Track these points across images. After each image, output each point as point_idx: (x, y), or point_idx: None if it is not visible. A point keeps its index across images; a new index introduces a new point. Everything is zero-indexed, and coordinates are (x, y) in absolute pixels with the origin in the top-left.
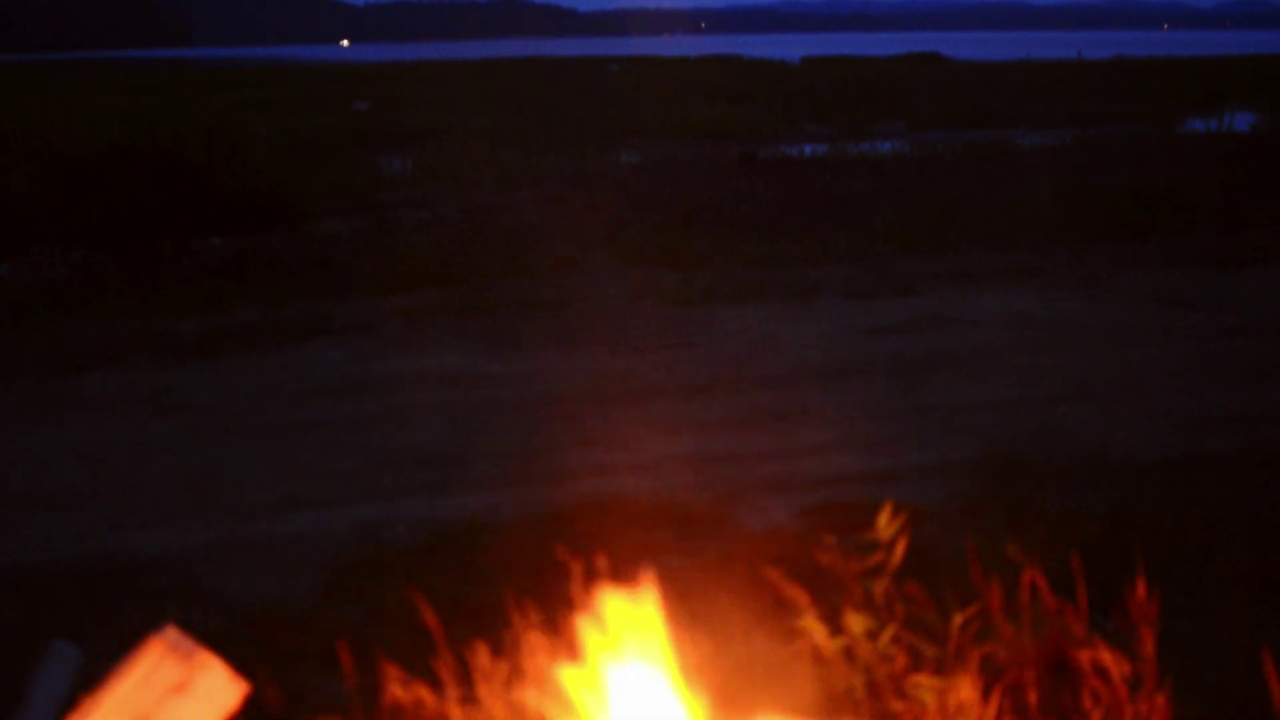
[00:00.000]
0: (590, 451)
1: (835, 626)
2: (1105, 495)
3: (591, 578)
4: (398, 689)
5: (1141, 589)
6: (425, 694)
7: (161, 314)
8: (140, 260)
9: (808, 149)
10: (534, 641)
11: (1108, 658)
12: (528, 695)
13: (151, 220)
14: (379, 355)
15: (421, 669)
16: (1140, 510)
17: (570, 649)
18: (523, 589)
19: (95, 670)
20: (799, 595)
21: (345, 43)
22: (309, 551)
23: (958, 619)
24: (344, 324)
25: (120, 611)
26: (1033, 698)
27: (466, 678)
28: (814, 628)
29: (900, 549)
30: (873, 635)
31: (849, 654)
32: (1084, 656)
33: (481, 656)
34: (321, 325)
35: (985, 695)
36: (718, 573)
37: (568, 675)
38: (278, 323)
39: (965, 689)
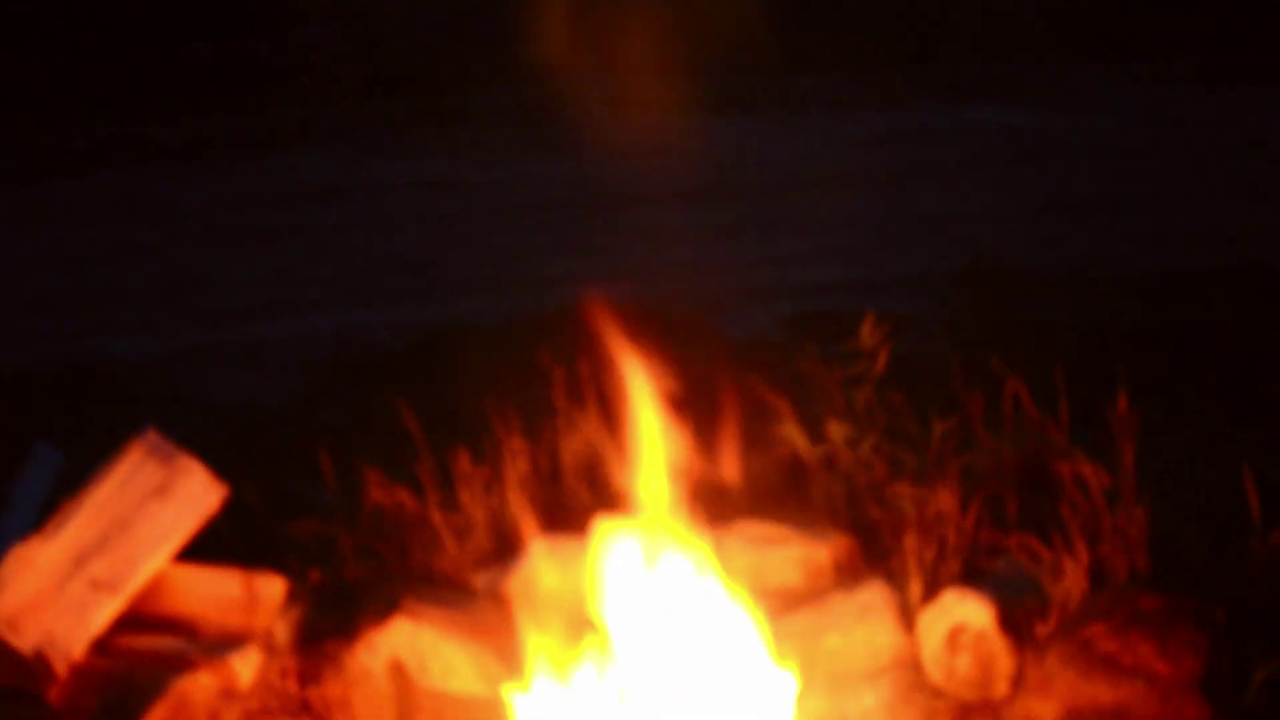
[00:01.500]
0: (573, 258)
1: (816, 434)
2: (1089, 308)
3: (573, 384)
4: (379, 493)
5: (1123, 402)
6: (406, 498)
7: (143, 119)
8: (121, 65)
9: None
10: (515, 446)
11: (1087, 470)
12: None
13: (132, 24)
14: (361, 161)
15: (403, 474)
16: (1123, 324)
17: (550, 455)
18: (504, 395)
19: (76, 474)
20: (780, 403)
21: None
22: (290, 356)
23: (938, 429)
24: (326, 130)
25: (101, 416)
26: (1012, 508)
27: (448, 482)
28: (795, 435)
29: (882, 359)
30: (853, 443)
31: (829, 462)
32: (1064, 468)
33: (463, 461)
34: (304, 131)
35: (964, 505)
36: (699, 380)
37: None
38: (260, 128)
39: (944, 498)
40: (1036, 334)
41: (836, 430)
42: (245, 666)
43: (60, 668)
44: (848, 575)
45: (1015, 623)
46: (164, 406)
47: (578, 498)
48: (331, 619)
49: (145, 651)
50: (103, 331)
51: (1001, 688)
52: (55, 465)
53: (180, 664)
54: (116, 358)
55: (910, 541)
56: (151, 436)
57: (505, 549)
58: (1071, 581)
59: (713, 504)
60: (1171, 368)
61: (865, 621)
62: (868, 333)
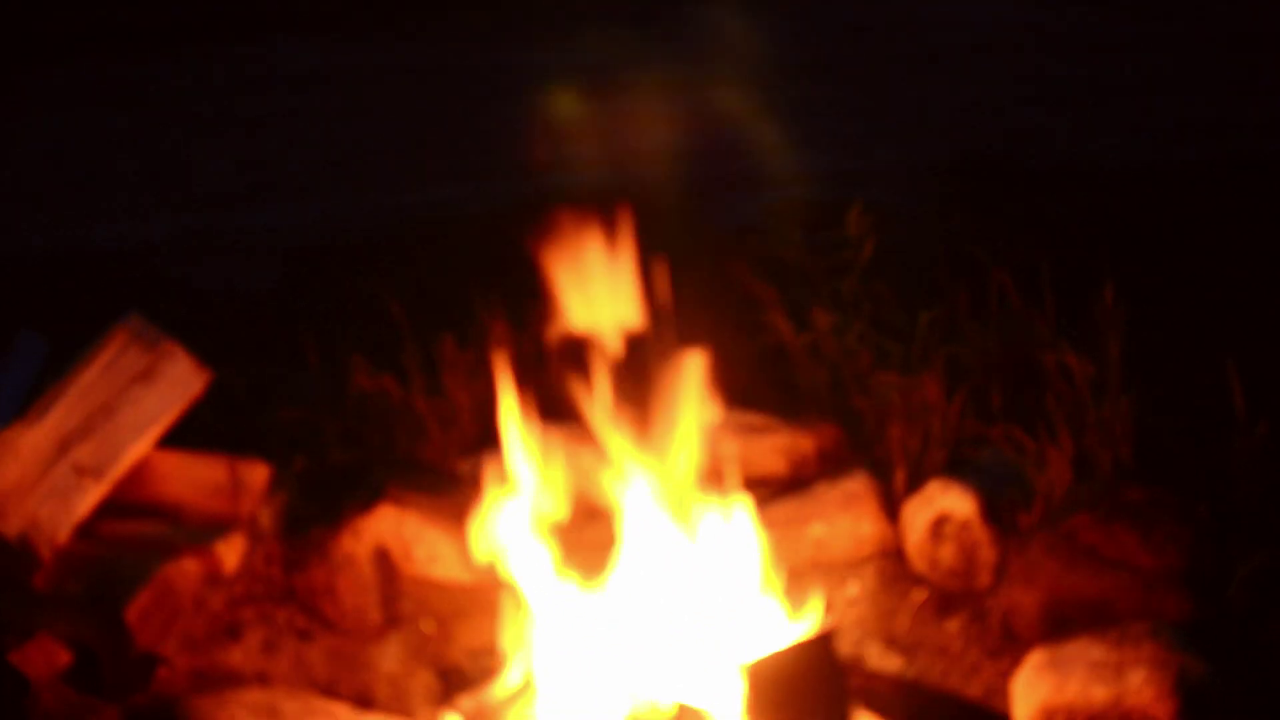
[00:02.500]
0: (556, 145)
1: (802, 323)
2: (1075, 201)
3: (556, 269)
4: (363, 379)
5: (1108, 295)
6: (391, 385)
7: (123, 5)
8: None
9: None
10: (500, 333)
11: (1073, 362)
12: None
13: None
14: (344, 47)
15: (387, 360)
16: (1109, 217)
17: (535, 341)
18: (489, 281)
19: (60, 360)
20: (766, 292)
21: None
22: (273, 243)
23: (924, 319)
24: (307, 15)
25: (84, 303)
26: (996, 399)
27: (432, 369)
28: (780, 324)
29: (868, 248)
30: (839, 333)
31: (815, 351)
32: (1049, 360)
33: (447, 348)
34: (284, 17)
35: (949, 395)
36: (684, 268)
37: None
38: (240, 14)
39: (929, 389)
40: (1022, 226)
41: (822, 319)
42: (230, 552)
43: (45, 553)
44: (832, 464)
45: (999, 513)
46: (147, 293)
47: (563, 384)
48: (316, 505)
49: (130, 537)
50: (85, 219)
51: (984, 578)
52: (38, 351)
53: (165, 550)
54: (99, 245)
55: (895, 431)
56: (135, 322)
57: (490, 436)
58: (1055, 473)
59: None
60: (1157, 261)
61: (849, 511)
62: (853, 222)
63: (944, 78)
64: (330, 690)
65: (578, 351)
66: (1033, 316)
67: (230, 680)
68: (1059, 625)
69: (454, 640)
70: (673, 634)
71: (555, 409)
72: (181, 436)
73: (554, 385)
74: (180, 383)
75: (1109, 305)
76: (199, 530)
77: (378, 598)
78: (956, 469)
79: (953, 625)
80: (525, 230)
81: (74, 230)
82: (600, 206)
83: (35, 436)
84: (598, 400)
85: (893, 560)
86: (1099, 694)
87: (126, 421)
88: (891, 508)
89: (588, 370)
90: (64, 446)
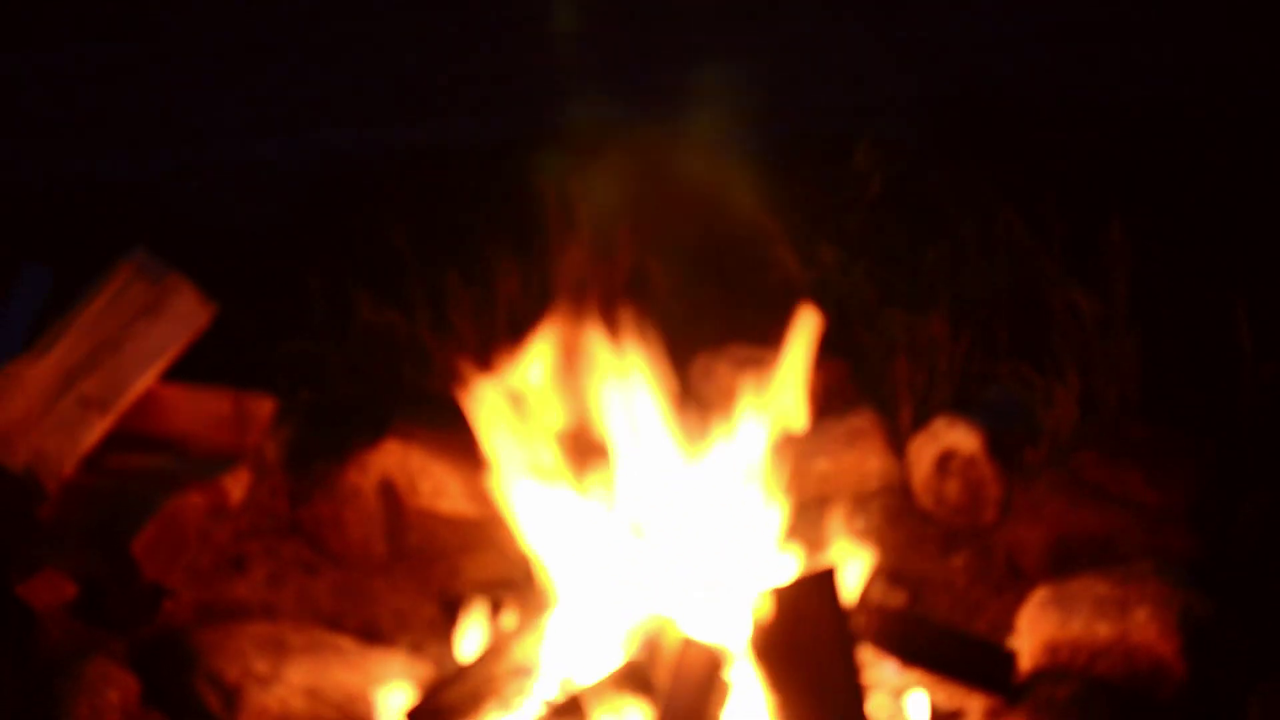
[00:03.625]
0: (567, 79)
1: (808, 258)
2: (1082, 137)
3: (563, 204)
4: (369, 313)
5: (1116, 231)
6: (397, 318)
7: None
8: None
9: None
10: (506, 266)
11: (1080, 298)
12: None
13: None
14: None
15: (393, 294)
16: (1117, 153)
17: (541, 276)
18: (495, 214)
19: (65, 293)
20: (773, 226)
21: None
22: (279, 177)
23: (931, 255)
24: None
25: (89, 237)
26: (1003, 336)
27: (438, 302)
28: (787, 258)
29: (876, 184)
30: (845, 268)
31: (821, 286)
32: (1056, 297)
33: (453, 281)
34: None
35: (956, 332)
36: (689, 202)
37: None
38: None
39: (936, 325)
40: (1030, 161)
41: (829, 255)
42: (235, 486)
43: (50, 486)
44: (838, 400)
45: (1004, 450)
46: (153, 227)
47: (568, 316)
48: (322, 439)
49: (135, 470)
50: (89, 152)
51: (989, 514)
52: (43, 284)
53: (171, 483)
54: (104, 178)
55: (901, 367)
56: (140, 255)
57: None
58: (1062, 410)
59: (704, 326)
60: (1166, 198)
61: (855, 446)
62: (861, 157)
63: (954, 12)
64: (336, 623)
65: (583, 284)
66: (1040, 253)
67: (236, 613)
68: (1064, 562)
69: (459, 574)
70: (679, 569)
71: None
72: (187, 370)
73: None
74: (185, 316)
75: (1117, 242)
76: (204, 463)
77: (383, 531)
78: (962, 405)
79: (958, 561)
80: (532, 163)
81: (79, 163)
82: (606, 142)
83: (41, 369)
84: (604, 332)
85: (898, 496)
86: (1103, 630)
87: (132, 355)
88: (897, 444)
89: (593, 302)
90: (69, 379)
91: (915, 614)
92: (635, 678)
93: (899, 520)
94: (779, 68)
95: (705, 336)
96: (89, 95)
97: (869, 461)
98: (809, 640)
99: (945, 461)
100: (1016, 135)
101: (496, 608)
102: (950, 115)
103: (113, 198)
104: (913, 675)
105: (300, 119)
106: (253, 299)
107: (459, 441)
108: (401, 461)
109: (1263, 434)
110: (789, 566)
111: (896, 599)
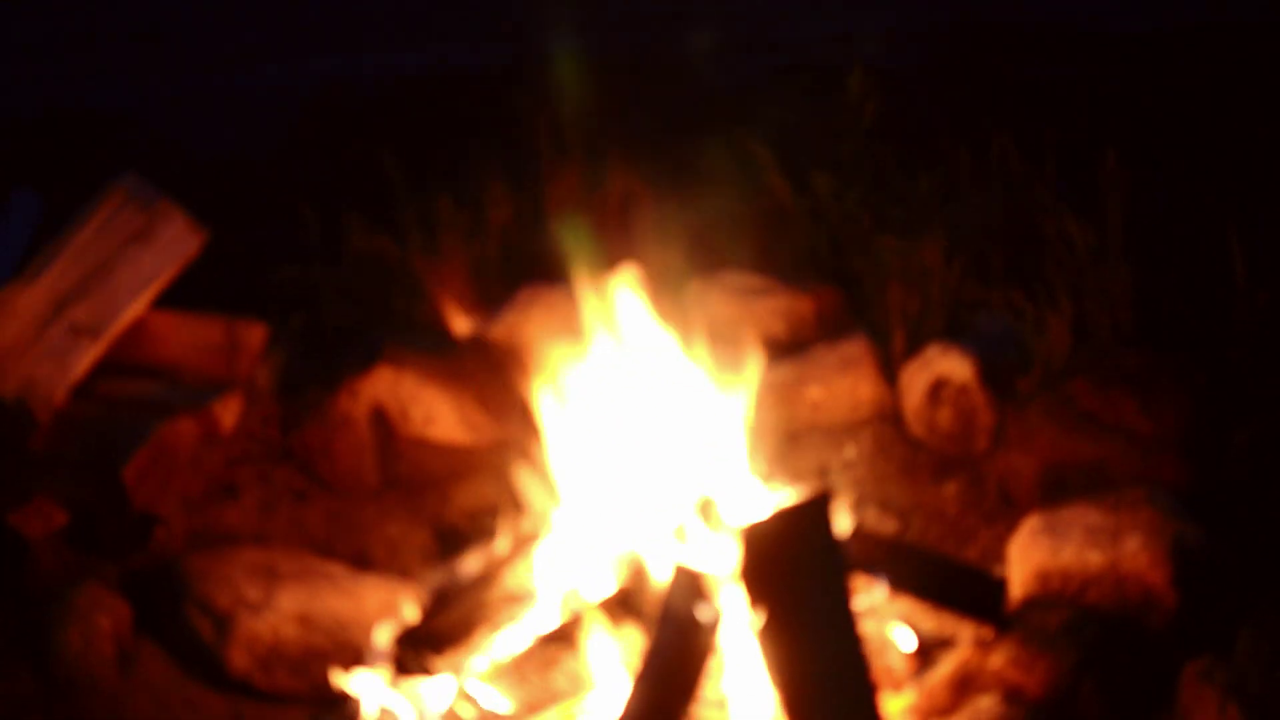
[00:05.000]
0: (559, 8)
1: (802, 186)
2: (1077, 66)
3: (556, 130)
4: (360, 239)
5: (1111, 159)
6: (388, 245)
7: None
8: None
9: None
10: (497, 193)
11: (1073, 226)
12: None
13: None
14: None
15: (384, 220)
16: (1111, 82)
17: (533, 202)
18: (487, 141)
19: (56, 219)
20: (767, 154)
21: None
22: (271, 104)
23: (924, 182)
24: None
25: (80, 163)
26: (997, 263)
27: (429, 229)
28: (781, 186)
29: (869, 111)
30: (839, 195)
31: (815, 213)
32: (1050, 224)
33: (444, 208)
34: None
35: (949, 259)
36: (683, 127)
37: None
38: None
39: (929, 252)
40: (1025, 90)
41: (822, 182)
42: (227, 412)
43: (42, 414)
44: (831, 327)
45: (997, 377)
46: (144, 153)
47: (559, 245)
48: (313, 365)
49: (127, 397)
50: (81, 78)
51: (982, 442)
52: (34, 210)
53: (162, 410)
54: (96, 104)
55: (894, 294)
56: (131, 180)
57: (487, 296)
58: (1055, 338)
59: (697, 254)
60: (1160, 126)
61: (847, 373)
62: (855, 85)
63: None
64: (327, 550)
65: (574, 212)
66: (1034, 180)
67: (227, 540)
68: (1056, 490)
69: (451, 501)
70: (671, 495)
71: (552, 268)
72: (178, 297)
73: (550, 243)
74: (177, 242)
75: (1111, 170)
76: (196, 390)
77: (374, 458)
78: (955, 333)
79: (949, 489)
80: (524, 91)
81: (70, 89)
82: (597, 68)
83: (31, 296)
84: (593, 259)
85: (890, 424)
86: (1094, 559)
87: (123, 281)
88: (889, 371)
89: (583, 230)
90: (60, 306)
91: (906, 542)
92: (626, 604)
93: (890, 448)
94: None
95: (698, 264)
96: (79, 21)
97: (861, 389)
98: (800, 567)
99: (937, 389)
100: (1011, 63)
101: (488, 535)
102: (945, 43)
103: (103, 124)
104: (903, 603)
105: (293, 45)
106: (244, 225)
107: (451, 369)
108: (393, 388)
109: (1256, 361)
110: (781, 493)
111: (887, 527)
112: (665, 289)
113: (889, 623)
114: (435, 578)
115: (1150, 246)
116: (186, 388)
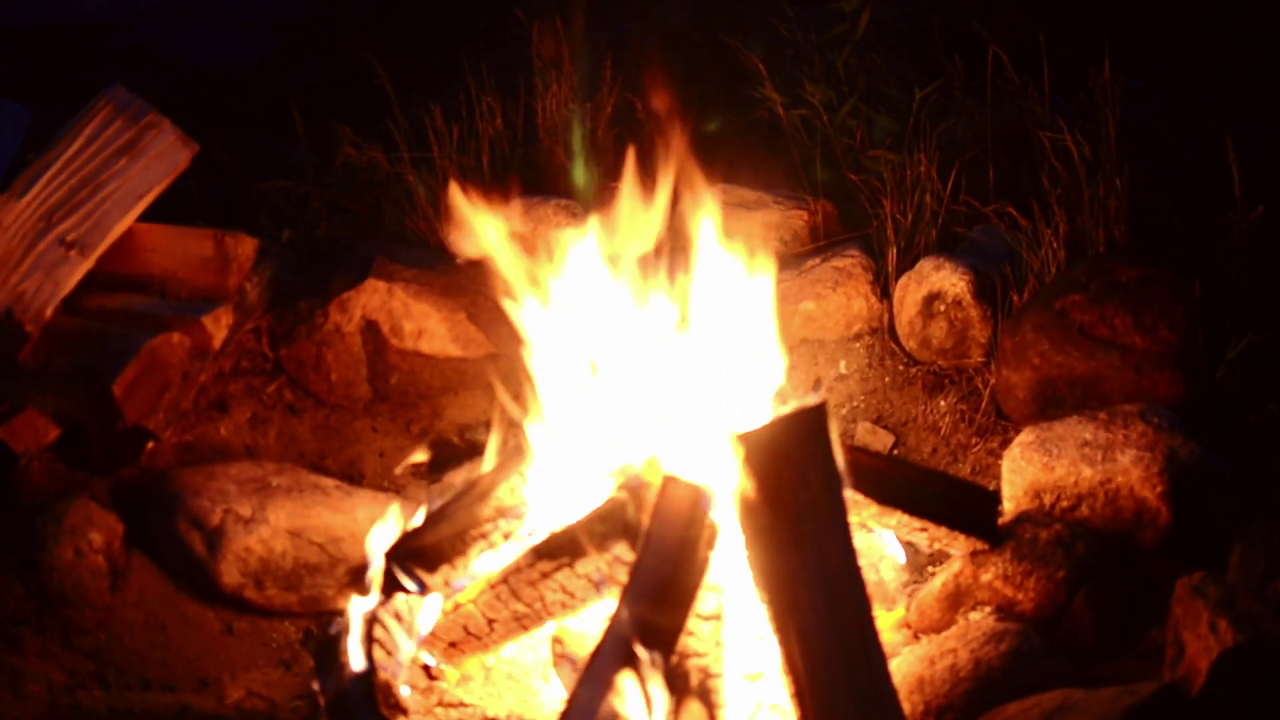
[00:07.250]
0: None
1: (795, 97)
2: None
3: (547, 42)
4: (351, 151)
5: (1106, 71)
6: (379, 156)
7: None
8: None
9: None
10: (489, 104)
11: (1068, 139)
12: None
13: None
14: None
15: (375, 131)
16: None
17: (524, 113)
18: (478, 53)
19: (43, 131)
20: (759, 65)
21: None
22: (261, 15)
23: (919, 94)
24: None
25: (69, 73)
26: (991, 176)
27: (421, 141)
28: (774, 98)
29: (863, 22)
30: (832, 107)
31: (808, 126)
32: (1044, 137)
33: (436, 119)
34: None
35: (943, 172)
36: (674, 42)
37: None
38: None
39: (923, 164)
40: (1019, 1)
41: (815, 94)
42: (217, 326)
43: (31, 328)
44: (824, 241)
45: (991, 292)
46: (133, 65)
47: (552, 156)
48: (304, 279)
49: (116, 311)
50: None
51: (975, 356)
52: (21, 122)
53: (152, 323)
54: (84, 15)
55: (888, 207)
56: (120, 92)
57: (479, 209)
58: (1049, 251)
59: (690, 167)
60: (1156, 40)
61: (841, 287)
62: None
63: None
64: (319, 464)
65: (567, 124)
66: (1028, 92)
67: (219, 454)
68: (1049, 405)
69: (442, 415)
70: (662, 407)
71: (544, 179)
72: (168, 210)
73: (544, 157)
74: (166, 155)
75: (1106, 82)
76: (186, 304)
77: (366, 372)
78: (949, 247)
79: (942, 403)
80: (514, 2)
81: (59, 2)
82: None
83: (19, 210)
84: (585, 172)
85: (884, 337)
86: (1087, 474)
87: (112, 195)
88: (883, 285)
89: (577, 143)
90: (49, 220)
91: (899, 457)
92: (618, 517)
93: (884, 362)
94: None
95: (691, 177)
96: None
97: (854, 303)
98: (796, 476)
99: (931, 303)
100: None
101: (480, 449)
102: None
103: (91, 35)
104: (896, 517)
105: None
106: (235, 137)
107: (442, 282)
108: (384, 301)
109: (1250, 276)
110: (775, 404)
111: (881, 441)
112: (658, 202)
113: (882, 536)
114: (426, 493)
115: (1146, 158)
116: (176, 301)
